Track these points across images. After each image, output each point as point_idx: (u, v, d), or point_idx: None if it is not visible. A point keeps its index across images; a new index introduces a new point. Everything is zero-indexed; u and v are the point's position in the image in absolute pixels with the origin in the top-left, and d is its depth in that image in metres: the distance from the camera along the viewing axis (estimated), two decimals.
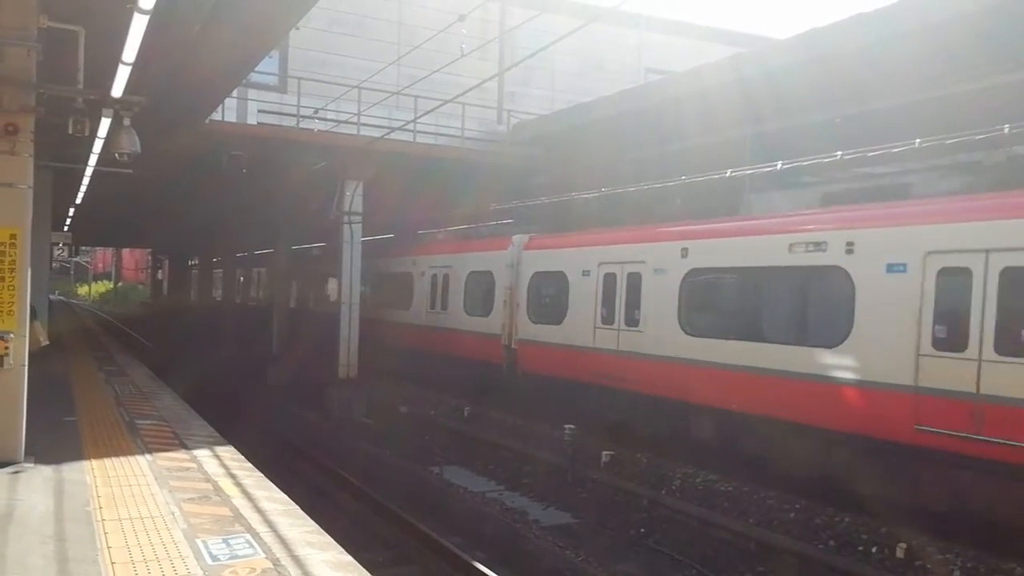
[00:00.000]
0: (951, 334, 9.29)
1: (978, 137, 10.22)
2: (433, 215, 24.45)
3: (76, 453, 9.06)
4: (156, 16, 7.53)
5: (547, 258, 16.75)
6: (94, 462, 8.69)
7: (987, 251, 9.03)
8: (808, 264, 11.03)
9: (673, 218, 14.39)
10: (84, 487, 7.72)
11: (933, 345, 9.42)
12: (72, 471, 8.28)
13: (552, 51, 12.75)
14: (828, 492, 10.36)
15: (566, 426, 13.24)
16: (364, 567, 6.05)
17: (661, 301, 13.38)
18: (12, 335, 8.21)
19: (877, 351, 9.98)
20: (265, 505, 7.43)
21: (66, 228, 27.70)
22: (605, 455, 13.27)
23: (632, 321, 14.03)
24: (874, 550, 9.34)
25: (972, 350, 9.05)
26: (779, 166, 12.80)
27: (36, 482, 7.81)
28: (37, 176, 8.82)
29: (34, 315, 9.96)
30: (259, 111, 18.31)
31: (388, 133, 16.19)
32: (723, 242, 12.58)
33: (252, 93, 18.27)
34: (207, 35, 10.43)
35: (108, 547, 6.05)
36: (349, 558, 6.17)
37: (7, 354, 8.16)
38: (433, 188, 21.06)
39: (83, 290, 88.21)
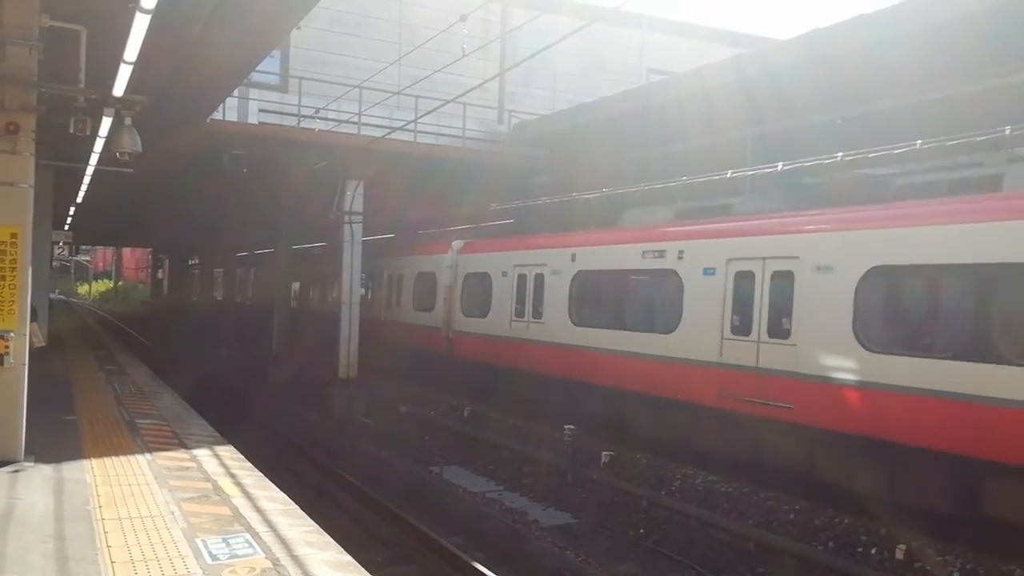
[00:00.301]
0: (743, 322, 11.78)
1: (979, 139, 10.21)
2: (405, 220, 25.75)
3: (76, 452, 9.07)
4: (158, 15, 7.54)
5: (476, 261, 19.06)
6: (94, 461, 8.70)
7: (764, 259, 11.55)
8: (654, 267, 13.60)
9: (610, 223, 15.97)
10: (84, 486, 7.73)
11: (731, 331, 11.91)
12: (72, 470, 8.29)
13: (553, 51, 12.77)
14: (679, 451, 12.67)
15: (566, 427, 13.24)
16: (363, 567, 6.05)
17: (558, 297, 15.82)
18: (12, 334, 8.21)
19: (697, 336, 12.47)
20: (265, 505, 7.43)
21: (67, 227, 27.73)
22: (605, 455, 13.27)
23: (537, 314, 16.40)
24: (873, 551, 9.33)
25: (755, 334, 11.57)
26: (780, 167, 12.82)
27: (36, 481, 7.82)
28: (38, 175, 8.82)
29: (34, 316, 9.95)
30: (260, 110, 18.32)
31: (389, 133, 16.19)
32: (600, 249, 15.21)
33: (253, 92, 18.29)
34: (209, 35, 10.44)
35: (108, 546, 6.06)
36: (348, 558, 6.17)
37: (7, 353, 8.16)
38: (433, 188, 21.08)
39: (83, 289, 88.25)
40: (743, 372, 11.60)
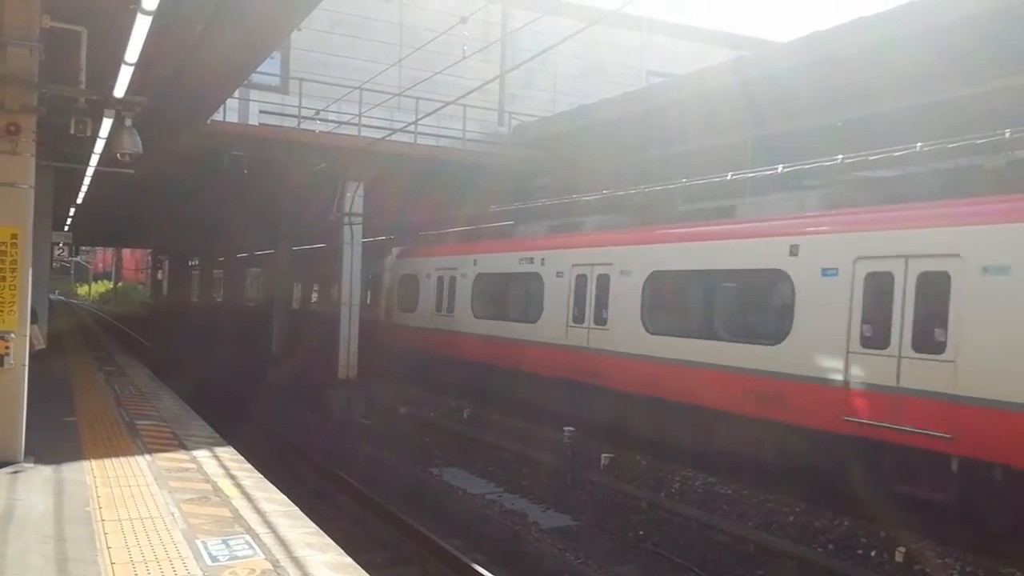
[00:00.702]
0: (595, 313, 14.83)
1: (979, 141, 10.22)
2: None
3: (76, 453, 9.06)
4: (159, 17, 7.54)
5: (410, 265, 22.32)
6: (94, 462, 8.69)
7: (598, 265, 14.89)
8: (526, 271, 17.05)
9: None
10: (84, 487, 7.72)
11: (590, 320, 14.97)
12: (72, 471, 8.28)
13: (554, 53, 12.84)
14: (560, 420, 14.18)
15: (566, 428, 13.23)
16: (363, 568, 6.04)
17: (464, 295, 19.30)
18: (13, 335, 8.21)
19: (552, 324, 15.95)
20: (264, 506, 7.43)
21: (67, 228, 27.72)
22: (604, 457, 13.27)
23: (451, 309, 19.76)
24: (873, 553, 9.33)
25: (586, 322, 15.12)
26: (780, 169, 12.81)
27: (36, 482, 7.81)
28: (38, 176, 8.81)
29: (34, 318, 9.94)
30: (261, 112, 18.34)
31: (389, 135, 16.20)
32: (493, 255, 18.65)
33: (254, 94, 18.30)
34: (209, 36, 10.44)
35: (108, 547, 6.05)
36: (348, 559, 6.16)
37: (7, 354, 8.16)
38: (434, 190, 21.08)
39: (83, 290, 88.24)
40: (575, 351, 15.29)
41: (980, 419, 8.89)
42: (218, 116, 16.87)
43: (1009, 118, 10.08)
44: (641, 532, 10.75)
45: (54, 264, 44.26)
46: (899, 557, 9.05)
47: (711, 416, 12.14)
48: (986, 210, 9.44)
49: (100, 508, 7.04)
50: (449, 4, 18.19)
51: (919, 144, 10.76)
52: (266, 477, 8.72)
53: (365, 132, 17.99)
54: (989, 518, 9.07)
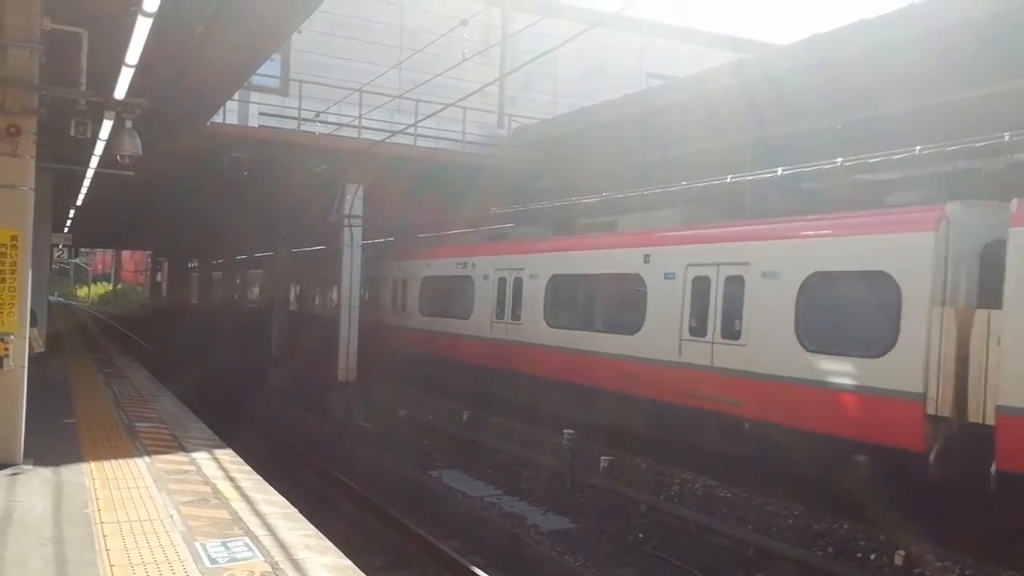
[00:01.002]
0: (512, 311, 17.70)
1: (978, 144, 10.22)
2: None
3: (75, 455, 9.05)
4: (159, 18, 7.54)
5: (376, 267, 24.45)
6: (93, 464, 8.68)
7: (515, 269, 17.80)
8: (460, 274, 19.90)
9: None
10: (83, 489, 7.72)
11: (508, 316, 17.78)
12: (71, 473, 8.28)
13: (554, 56, 12.86)
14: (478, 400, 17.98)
15: (565, 431, 13.23)
16: (363, 571, 6.04)
17: (413, 294, 22.27)
18: (12, 337, 8.20)
19: (481, 320, 18.68)
20: (264, 508, 7.42)
21: (66, 230, 27.70)
22: (604, 460, 13.27)
23: (403, 307, 22.82)
24: (872, 557, 9.33)
25: (505, 318, 18.01)
26: (780, 172, 12.82)
27: (35, 484, 7.80)
28: (38, 178, 8.81)
29: (33, 321, 9.93)
30: (260, 114, 18.32)
31: (389, 137, 16.20)
32: (437, 260, 21.52)
33: (254, 96, 18.29)
34: (210, 38, 10.44)
35: (107, 549, 6.05)
36: (348, 562, 6.16)
37: (7, 356, 8.15)
38: (434, 192, 21.09)
39: (82, 292, 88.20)
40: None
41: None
42: (218, 118, 16.87)
43: (1009, 121, 10.08)
44: (640, 535, 10.74)
45: (53, 266, 44.27)
46: (899, 560, 9.05)
47: (596, 394, 14.81)
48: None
49: (99, 510, 7.04)
50: (449, 7, 18.24)
51: (918, 147, 10.78)
52: (265, 479, 8.71)
53: (365, 134, 17.99)
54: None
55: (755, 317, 11.76)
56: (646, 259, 13.96)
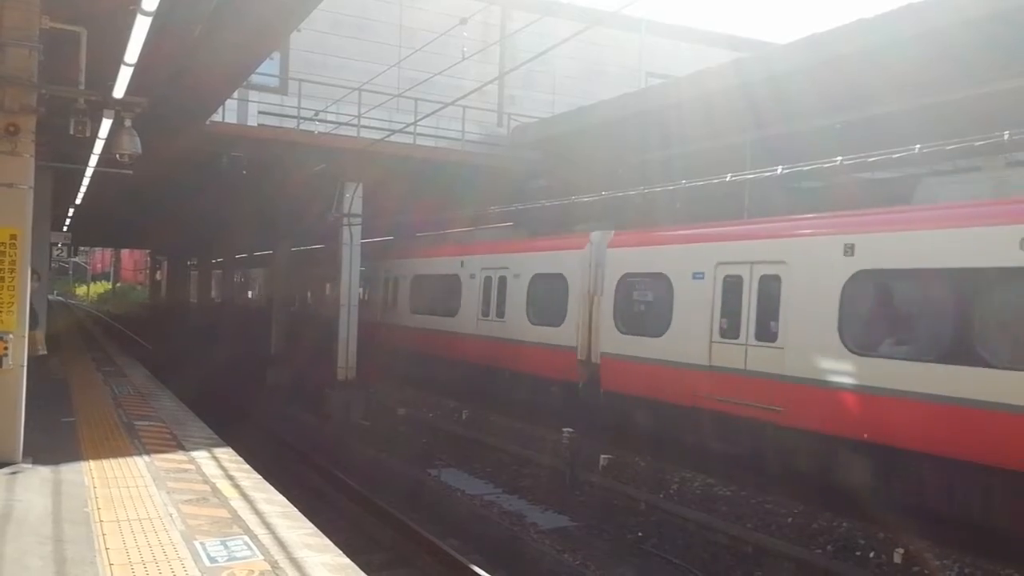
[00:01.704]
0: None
1: (978, 143, 10.23)
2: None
3: (74, 454, 9.05)
4: (158, 17, 7.54)
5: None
6: (92, 463, 8.68)
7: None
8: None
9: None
10: (82, 488, 7.72)
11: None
12: (70, 472, 8.28)
13: (553, 55, 12.84)
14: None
15: (564, 430, 13.23)
16: (362, 569, 6.05)
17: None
18: (11, 335, 8.20)
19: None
20: (263, 507, 7.43)
21: (65, 228, 27.67)
22: (603, 459, 13.27)
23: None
24: (872, 555, 9.34)
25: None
26: (779, 171, 12.82)
27: (34, 483, 7.80)
28: (37, 176, 8.80)
29: (35, 322, 9.92)
30: (259, 112, 18.30)
31: (388, 136, 16.19)
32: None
33: (253, 95, 18.26)
34: (209, 37, 10.43)
35: (106, 548, 6.05)
36: (347, 560, 6.16)
37: (6, 355, 8.15)
38: (433, 191, 21.08)
39: (81, 290, 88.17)
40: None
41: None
42: (217, 117, 16.85)
43: (1010, 120, 10.08)
44: (640, 533, 10.75)
45: (53, 264, 44.25)
46: (897, 558, 9.06)
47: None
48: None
49: (99, 509, 7.04)
50: (449, 5, 18.19)
51: (918, 146, 10.78)
52: (265, 478, 8.72)
53: (364, 133, 17.97)
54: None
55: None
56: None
